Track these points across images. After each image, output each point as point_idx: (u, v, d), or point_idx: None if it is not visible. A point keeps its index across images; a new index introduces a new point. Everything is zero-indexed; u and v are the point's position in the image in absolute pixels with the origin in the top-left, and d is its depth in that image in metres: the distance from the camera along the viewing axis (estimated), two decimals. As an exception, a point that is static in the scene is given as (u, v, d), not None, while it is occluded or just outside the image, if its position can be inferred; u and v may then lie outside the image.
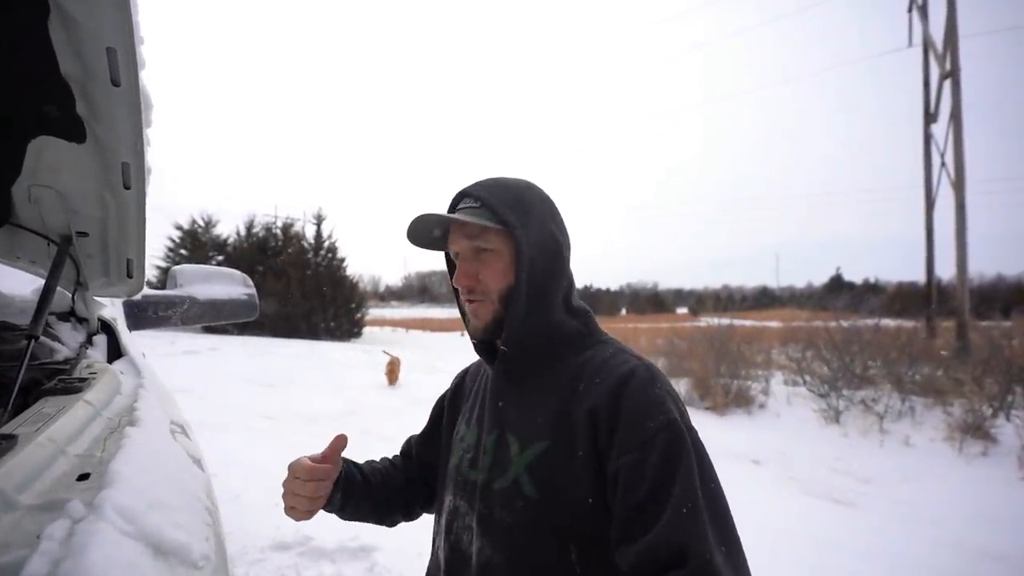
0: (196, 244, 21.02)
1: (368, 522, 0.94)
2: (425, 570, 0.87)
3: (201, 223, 21.86)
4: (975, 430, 4.77)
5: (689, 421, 0.68)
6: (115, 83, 0.71)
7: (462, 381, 0.96)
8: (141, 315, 1.48)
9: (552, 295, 0.79)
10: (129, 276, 1.00)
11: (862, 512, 3.53)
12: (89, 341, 1.09)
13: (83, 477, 0.55)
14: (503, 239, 0.77)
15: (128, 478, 0.51)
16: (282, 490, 0.81)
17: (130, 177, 0.84)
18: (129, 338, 1.23)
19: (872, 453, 4.80)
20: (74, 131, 0.79)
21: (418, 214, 0.77)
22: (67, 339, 1.05)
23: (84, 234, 0.97)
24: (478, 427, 0.82)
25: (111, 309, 1.28)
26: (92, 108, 0.76)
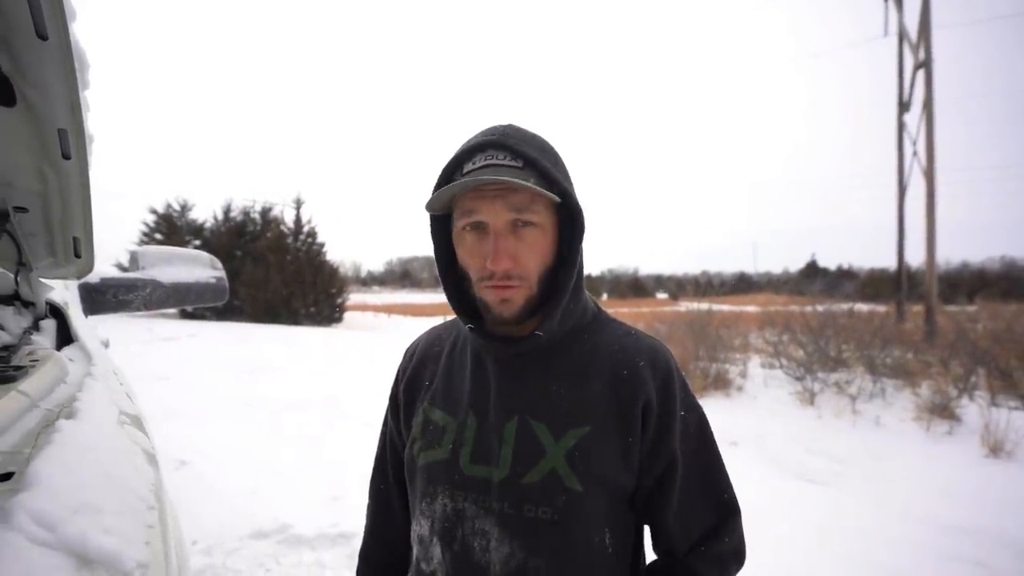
0: (171, 228, 20.47)
1: None
2: None
3: (176, 207, 21.26)
4: (941, 410, 4.92)
5: None
6: (41, 36, 0.63)
7: (418, 361, 0.82)
8: (99, 299, 1.39)
9: (582, 273, 0.72)
10: (77, 256, 0.92)
11: (835, 490, 3.62)
12: (35, 326, 1.01)
13: (5, 477, 0.50)
14: (547, 210, 0.66)
15: (52, 479, 0.45)
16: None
17: (69, 145, 0.76)
18: (83, 323, 1.15)
19: (845, 433, 4.92)
20: (1, 92, 0.71)
21: (457, 182, 0.64)
22: (9, 324, 0.97)
23: (23, 209, 0.89)
24: (470, 413, 0.71)
25: (64, 293, 1.19)
26: (17, 64, 0.68)
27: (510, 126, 0.69)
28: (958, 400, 5.17)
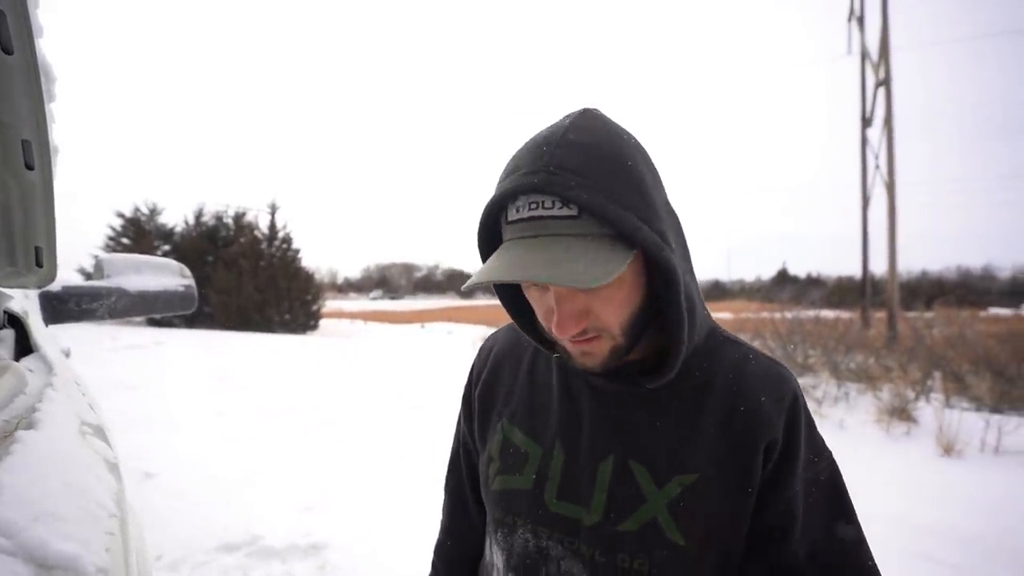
0: (139, 233, 19.87)
1: None
2: None
3: (145, 211, 20.65)
4: (900, 413, 5.13)
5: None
6: (7, 51, 0.64)
7: (495, 364, 0.72)
8: (61, 308, 1.37)
9: (698, 303, 0.59)
10: (39, 265, 0.92)
11: (800, 493, 3.74)
12: (-7, 337, 0.99)
13: (-35, 487, 0.50)
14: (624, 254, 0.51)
15: (11, 489, 0.46)
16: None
17: (33, 156, 0.76)
18: (44, 333, 1.14)
19: (811, 437, 5.08)
20: (-38, 104, 0.71)
21: (507, 226, 0.53)
22: (-34, 335, 0.96)
23: (-18, 219, 0.88)
24: (558, 444, 0.62)
25: (23, 301, 1.17)
26: (-19, 79, 0.68)
27: (567, 142, 0.51)
28: (915, 402, 5.40)
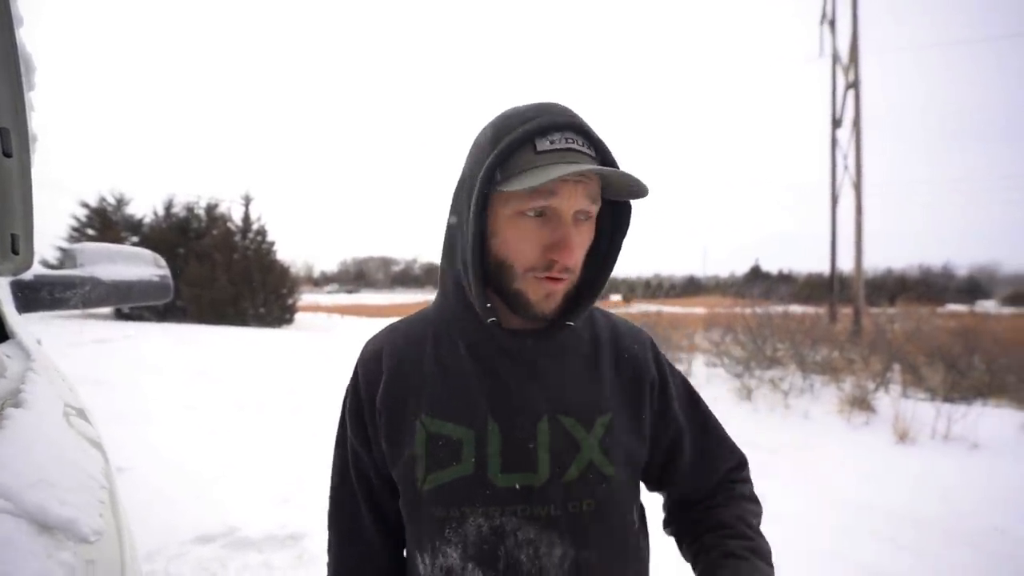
0: (105, 224, 19.19)
1: None
2: None
3: (112, 201, 19.97)
4: (860, 403, 5.38)
5: None
6: (-15, 41, 0.65)
7: (394, 368, 0.70)
8: (33, 296, 1.36)
9: None
10: (15, 252, 0.93)
11: (767, 479, 3.89)
12: (-34, 323, 0.99)
13: (-42, 460, 0.52)
14: None
15: (8, 458, 0.49)
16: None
17: (11, 144, 0.77)
18: (18, 320, 1.13)
19: (777, 426, 5.29)
20: (-61, 93, 0.72)
21: (539, 155, 0.59)
22: (-61, 321, 0.96)
23: (-43, 206, 0.89)
24: (490, 421, 0.64)
25: (-6, 290, 1.17)
26: (-40, 68, 0.70)
27: (565, 106, 0.64)
28: (875, 394, 5.66)
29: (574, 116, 0.62)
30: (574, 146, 0.59)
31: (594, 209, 0.62)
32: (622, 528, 0.67)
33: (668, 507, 0.80)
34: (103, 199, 19.83)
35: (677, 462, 0.74)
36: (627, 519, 0.68)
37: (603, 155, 0.62)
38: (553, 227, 0.60)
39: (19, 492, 0.44)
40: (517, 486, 0.63)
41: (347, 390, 0.73)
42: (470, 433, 0.64)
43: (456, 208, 0.67)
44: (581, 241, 0.62)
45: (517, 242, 0.61)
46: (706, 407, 0.79)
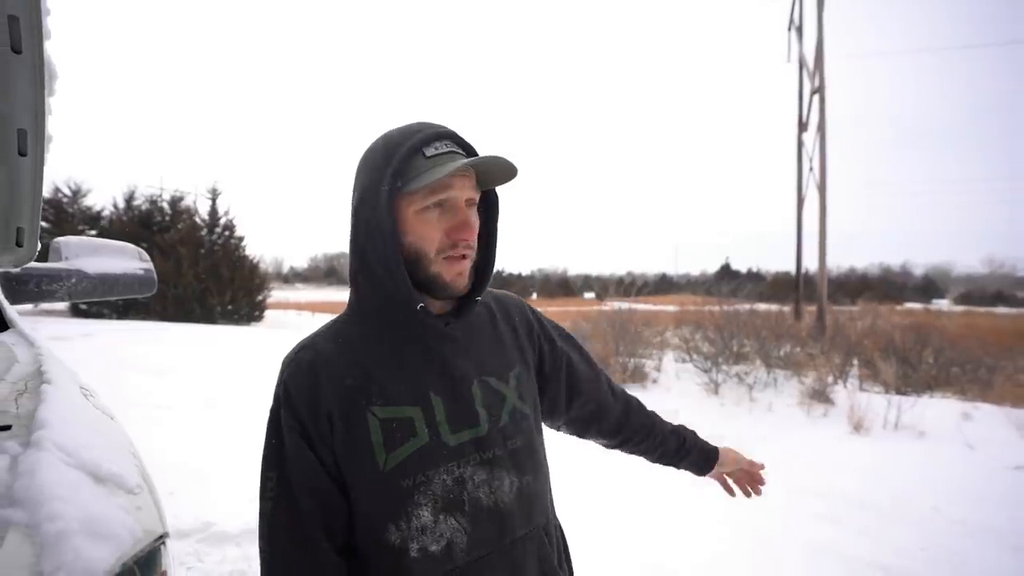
0: (61, 216, 18.38)
1: None
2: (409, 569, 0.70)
3: (67, 192, 19.13)
4: (819, 396, 5.67)
5: None
6: (16, 50, 0.71)
7: (334, 370, 0.72)
8: (21, 289, 1.38)
9: None
10: (19, 245, 0.97)
11: (730, 468, 4.11)
12: (-32, 313, 1.03)
13: (3, 428, 0.59)
14: None
15: (58, 423, 0.56)
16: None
17: (27, 144, 0.83)
18: (13, 311, 1.17)
19: (742, 418, 5.53)
20: (-39, 92, 0.77)
21: (428, 160, 0.73)
22: (-58, 310, 0.99)
23: (-35, 199, 0.93)
24: (431, 394, 0.75)
25: (-12, 281, 1.20)
26: (-14, 72, 0.75)
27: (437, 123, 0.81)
28: (834, 387, 5.97)
29: (447, 127, 0.78)
30: (454, 149, 0.75)
31: (477, 197, 0.77)
32: (541, 451, 0.86)
33: (607, 432, 1.03)
34: (58, 189, 18.96)
35: (575, 379, 0.96)
36: (540, 442, 0.87)
37: (472, 154, 0.77)
38: (452, 214, 0.74)
39: (75, 449, 0.51)
40: (468, 439, 0.76)
41: (275, 412, 0.72)
42: (417, 410, 0.74)
43: (362, 218, 0.75)
44: (474, 224, 0.77)
45: (426, 231, 0.74)
46: (583, 348, 1.03)
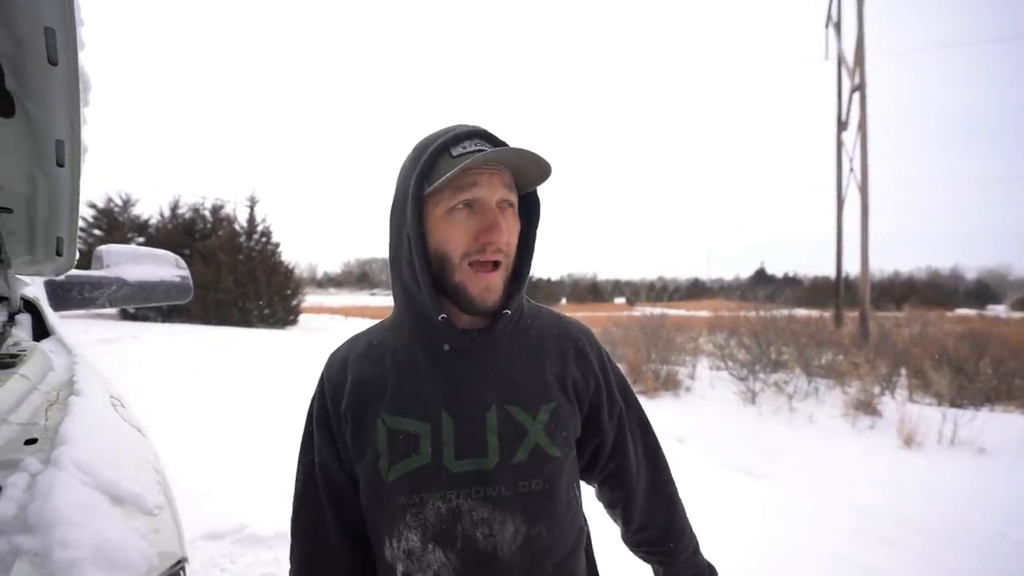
0: (112, 224, 19.39)
1: None
2: None
3: (119, 202, 20.19)
4: (865, 406, 5.38)
5: None
6: (52, 62, 0.72)
7: (357, 375, 0.75)
8: (65, 296, 1.42)
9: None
10: (59, 254, 0.99)
11: (771, 481, 3.93)
12: (11, 320, 1.05)
13: (31, 442, 0.58)
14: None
15: (80, 439, 0.55)
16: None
17: (64, 155, 0.83)
18: (56, 318, 1.20)
19: (781, 429, 5.30)
20: (1, 105, 0.78)
21: (490, 149, 0.67)
22: (-13, 318, 1.02)
23: (7, 210, 0.95)
24: (444, 414, 0.70)
25: (34, 289, 1.23)
26: (24, 84, 0.76)
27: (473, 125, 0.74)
28: (880, 397, 5.66)
29: (478, 126, 0.72)
30: (482, 146, 0.69)
31: (513, 198, 0.70)
32: (567, 503, 0.74)
33: (632, 530, 0.88)
34: (110, 199, 20.04)
35: (621, 471, 0.83)
36: (571, 495, 0.75)
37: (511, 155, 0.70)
38: (481, 215, 0.68)
39: (95, 468, 0.49)
40: (470, 470, 0.68)
41: (312, 401, 0.77)
42: (426, 427, 0.70)
43: (395, 223, 0.74)
44: (509, 226, 0.70)
45: (452, 233, 0.69)
46: (655, 438, 0.87)
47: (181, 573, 0.49)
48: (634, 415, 0.85)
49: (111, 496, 0.50)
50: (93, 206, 19.55)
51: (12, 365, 0.76)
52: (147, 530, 0.49)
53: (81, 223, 19.00)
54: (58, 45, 0.69)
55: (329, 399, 0.74)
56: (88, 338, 10.65)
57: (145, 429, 0.80)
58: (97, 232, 19.05)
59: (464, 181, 0.67)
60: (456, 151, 0.69)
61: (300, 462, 0.77)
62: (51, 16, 0.66)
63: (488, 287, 0.69)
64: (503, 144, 0.70)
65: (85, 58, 0.76)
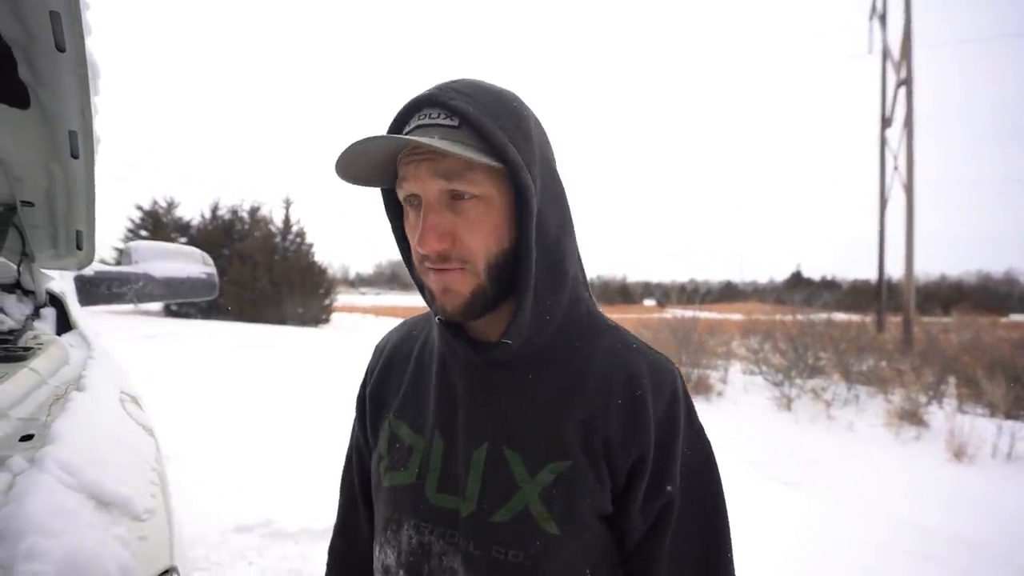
0: (157, 225, 20.31)
1: None
2: None
3: (163, 204, 21.18)
4: (911, 416, 5.10)
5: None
6: (60, 48, 0.70)
7: (386, 362, 0.70)
8: (94, 291, 1.45)
9: (568, 266, 0.59)
10: (79, 248, 0.99)
11: (807, 492, 3.75)
12: (36, 314, 1.07)
13: (26, 438, 0.56)
14: (494, 180, 0.53)
15: (71, 437, 0.52)
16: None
17: (78, 146, 0.83)
18: (79, 312, 1.21)
19: (819, 437, 5.07)
20: (17, 96, 0.78)
21: (358, 139, 0.51)
22: (12, 311, 1.03)
23: (29, 203, 0.95)
24: (437, 434, 0.60)
25: (61, 283, 1.25)
26: (36, 73, 0.75)
27: (461, 80, 0.56)
28: (927, 407, 5.35)
29: (444, 88, 0.55)
30: (426, 122, 0.53)
31: (466, 186, 0.52)
32: None
33: None
34: (155, 202, 21.02)
35: (652, 550, 0.58)
36: None
37: (473, 125, 0.52)
38: (417, 216, 0.55)
39: (81, 469, 0.47)
40: (447, 508, 0.57)
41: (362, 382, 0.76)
42: (421, 442, 0.61)
43: None
44: (458, 225, 0.53)
45: (407, 235, 0.59)
46: (717, 504, 0.60)
47: (169, 583, 0.46)
48: (695, 516, 0.58)
49: (95, 499, 0.47)
50: (140, 208, 20.52)
51: (25, 358, 0.75)
52: (131, 537, 0.46)
53: (128, 223, 20.03)
54: (64, 30, 0.68)
55: (366, 379, 0.73)
56: (135, 333, 11.12)
57: (154, 429, 0.78)
58: (143, 233, 19.98)
59: (400, 173, 0.55)
60: (404, 131, 0.55)
61: (351, 431, 0.77)
62: (56, 0, 0.64)
63: (447, 290, 0.55)
64: (458, 111, 0.52)
65: (93, 44, 0.74)
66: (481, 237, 0.53)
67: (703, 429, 0.61)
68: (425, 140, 0.49)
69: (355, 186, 0.58)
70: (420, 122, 0.53)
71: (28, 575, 0.34)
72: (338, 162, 0.53)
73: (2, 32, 0.67)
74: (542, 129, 0.59)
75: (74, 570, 0.37)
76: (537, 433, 0.56)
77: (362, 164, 0.55)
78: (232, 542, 2.77)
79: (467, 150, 0.50)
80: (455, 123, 0.52)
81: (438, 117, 0.52)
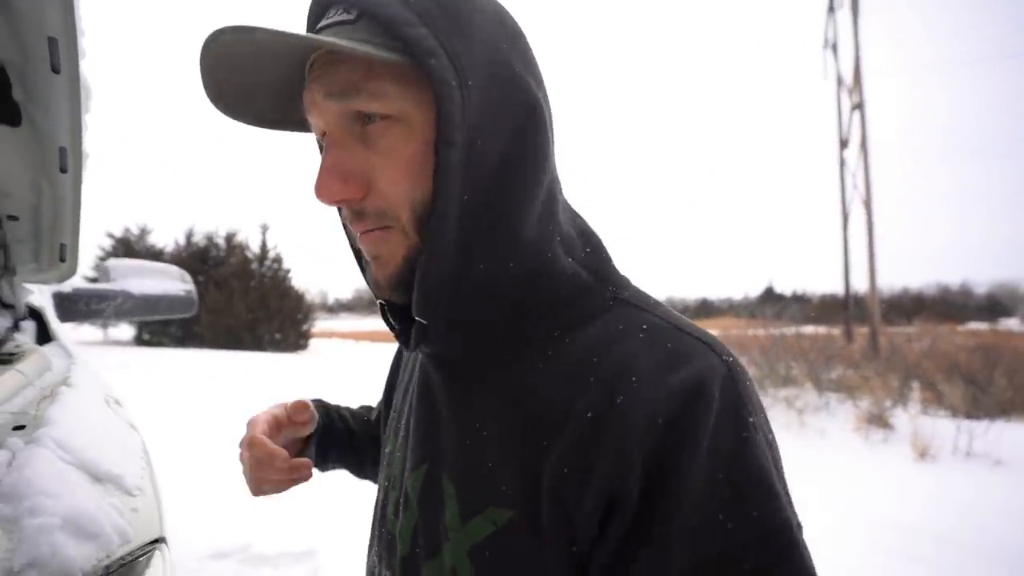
0: (129, 252, 19.86)
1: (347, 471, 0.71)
2: None
3: (135, 231, 20.76)
4: (878, 420, 5.28)
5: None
6: (55, 70, 0.76)
7: (394, 363, 0.65)
8: (72, 307, 1.46)
9: (523, 216, 0.39)
10: (62, 260, 1.02)
11: (782, 498, 3.84)
12: (16, 326, 1.08)
13: (19, 428, 0.60)
14: (412, 92, 0.37)
15: (65, 422, 0.57)
16: (241, 476, 0.59)
17: (67, 162, 0.87)
18: (59, 325, 1.23)
19: (792, 444, 5.20)
20: (9, 115, 0.82)
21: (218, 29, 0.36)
22: (-9, 324, 1.05)
23: (14, 218, 0.99)
24: (404, 447, 0.48)
25: (39, 297, 1.27)
26: (30, 93, 0.80)
27: None
28: (893, 411, 5.55)
29: None
30: (325, 22, 0.39)
31: (369, 103, 0.37)
32: None
33: None
34: (127, 229, 20.59)
35: None
36: None
37: (373, 15, 0.37)
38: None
39: (77, 448, 0.51)
40: (393, 538, 0.46)
41: None
42: (396, 455, 0.49)
43: None
44: (370, 162, 0.38)
45: None
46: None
47: (157, 552, 0.50)
48: None
49: (91, 474, 0.51)
50: (111, 235, 20.07)
51: (10, 362, 0.78)
52: (125, 508, 0.50)
53: (99, 251, 19.58)
54: (60, 54, 0.73)
55: (393, 362, 0.65)
56: (108, 362, 10.77)
57: (138, 427, 0.82)
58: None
59: (305, 105, 0.40)
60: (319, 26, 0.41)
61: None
62: (54, 26, 0.70)
63: (376, 257, 0.41)
64: (356, 3, 0.38)
65: (86, 66, 0.80)
66: (399, 176, 0.37)
67: (779, 480, 0.36)
68: (310, 36, 0.35)
69: (250, 125, 0.43)
70: (326, 21, 0.39)
71: (35, 528, 0.38)
72: (207, 80, 0.40)
73: (0, 55, 0.73)
74: (509, 28, 0.40)
75: (77, 527, 0.41)
76: (478, 461, 0.39)
77: (260, 92, 0.41)
78: (208, 569, 2.71)
79: (358, 44, 0.35)
80: (352, 16, 0.37)
81: (335, 14, 0.38)
